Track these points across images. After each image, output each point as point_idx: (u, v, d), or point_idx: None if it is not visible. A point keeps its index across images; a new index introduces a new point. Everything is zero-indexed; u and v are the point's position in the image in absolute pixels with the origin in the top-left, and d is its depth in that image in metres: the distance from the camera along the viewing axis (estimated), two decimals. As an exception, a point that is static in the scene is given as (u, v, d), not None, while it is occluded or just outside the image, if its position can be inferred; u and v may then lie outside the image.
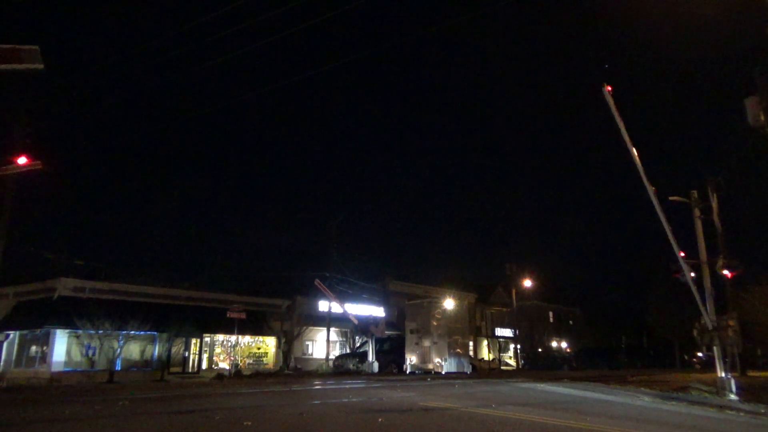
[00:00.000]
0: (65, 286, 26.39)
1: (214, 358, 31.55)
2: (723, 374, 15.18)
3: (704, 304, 15.80)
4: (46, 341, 25.55)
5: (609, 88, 13.83)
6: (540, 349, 53.14)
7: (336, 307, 34.82)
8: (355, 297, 36.79)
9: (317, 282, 32.88)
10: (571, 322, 63.55)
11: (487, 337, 49.77)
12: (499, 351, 50.76)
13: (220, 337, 31.64)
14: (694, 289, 15.59)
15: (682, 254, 15.62)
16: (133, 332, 25.70)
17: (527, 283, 46.70)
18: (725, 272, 17.12)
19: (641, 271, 59.39)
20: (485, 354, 47.41)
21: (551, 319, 59.82)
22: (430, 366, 34.42)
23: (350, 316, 33.78)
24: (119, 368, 25.20)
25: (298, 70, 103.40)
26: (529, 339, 51.01)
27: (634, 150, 14.31)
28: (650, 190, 14.48)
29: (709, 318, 15.62)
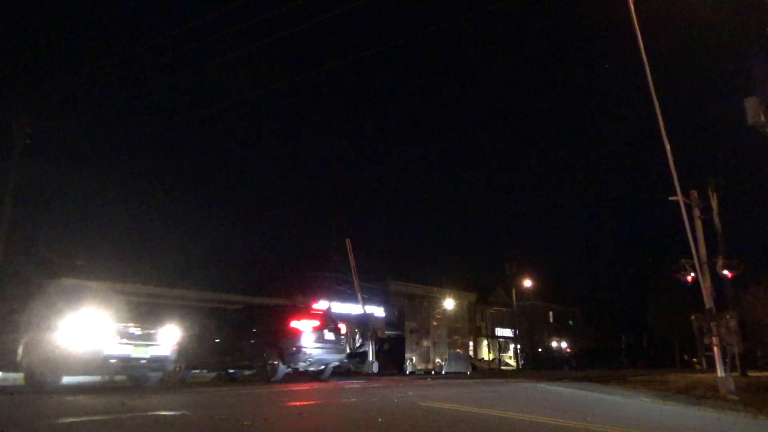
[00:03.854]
0: (65, 286, 26.39)
1: (214, 358, 31.59)
2: (723, 374, 15.17)
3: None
4: (46, 341, 25.57)
5: (631, 2, 13.94)
6: (540, 349, 53.22)
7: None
8: (355, 297, 36.83)
9: (348, 241, 33.04)
10: (571, 322, 63.61)
11: (487, 337, 49.84)
12: (499, 351, 50.81)
13: (220, 337, 31.68)
14: (703, 287, 15.62)
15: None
16: (133, 332, 25.72)
17: (527, 283, 46.79)
18: (725, 272, 17.13)
19: (641, 271, 59.29)
20: (485, 354, 47.49)
21: (551, 319, 59.89)
22: (430, 366, 34.39)
23: (357, 288, 33.99)
24: (119, 368, 25.22)
25: (299, 70, 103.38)
26: (529, 339, 51.08)
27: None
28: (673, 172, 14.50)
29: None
